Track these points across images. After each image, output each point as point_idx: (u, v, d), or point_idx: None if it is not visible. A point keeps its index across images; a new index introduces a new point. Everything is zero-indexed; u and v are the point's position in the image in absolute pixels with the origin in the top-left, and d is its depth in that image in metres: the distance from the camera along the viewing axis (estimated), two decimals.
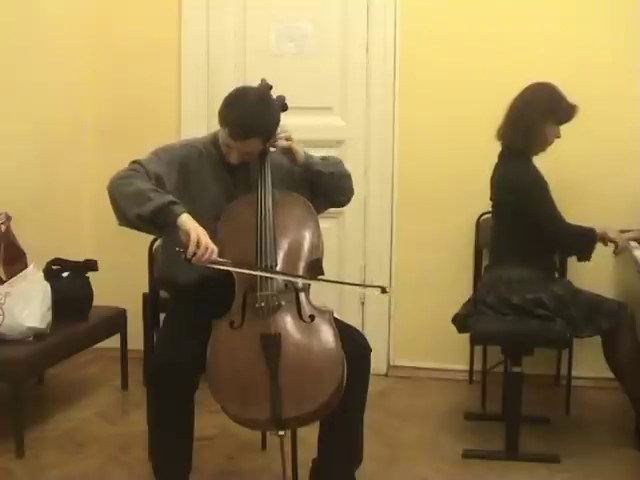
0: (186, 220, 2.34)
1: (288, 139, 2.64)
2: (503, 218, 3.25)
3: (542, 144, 3.17)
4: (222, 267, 2.38)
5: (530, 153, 3.18)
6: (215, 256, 2.35)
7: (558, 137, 3.17)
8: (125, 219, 2.42)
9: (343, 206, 2.87)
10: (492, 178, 3.26)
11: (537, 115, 3.11)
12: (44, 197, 3.96)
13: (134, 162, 2.53)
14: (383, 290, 2.41)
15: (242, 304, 2.44)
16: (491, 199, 3.30)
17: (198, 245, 2.31)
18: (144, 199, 2.35)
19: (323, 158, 2.75)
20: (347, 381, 2.34)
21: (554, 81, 3.19)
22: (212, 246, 2.34)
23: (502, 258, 3.23)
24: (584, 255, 3.16)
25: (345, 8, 4.04)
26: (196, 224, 2.35)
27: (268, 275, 2.44)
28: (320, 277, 2.56)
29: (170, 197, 2.38)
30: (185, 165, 2.62)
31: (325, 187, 2.70)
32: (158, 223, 2.37)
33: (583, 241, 3.14)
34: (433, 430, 3.37)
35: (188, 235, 2.32)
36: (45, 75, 3.97)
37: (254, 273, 2.44)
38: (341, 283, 2.52)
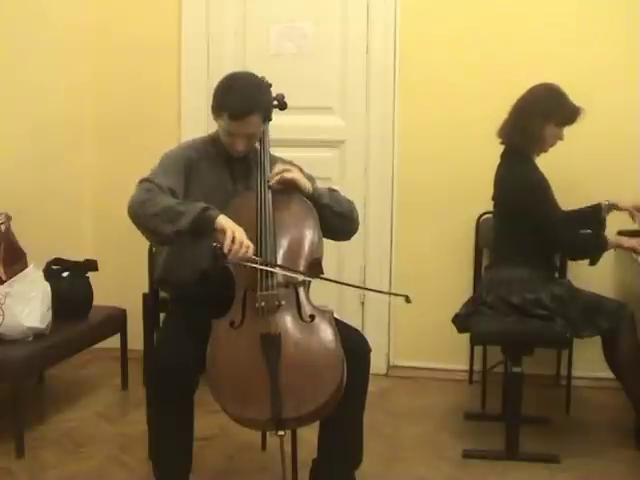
0: (222, 219, 2.36)
1: (287, 171, 2.60)
2: (504, 218, 3.25)
3: (540, 145, 3.17)
4: (256, 265, 2.38)
5: (529, 153, 3.18)
6: (251, 253, 2.36)
7: (560, 139, 3.18)
8: (159, 238, 2.45)
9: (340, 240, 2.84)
10: (495, 178, 3.27)
11: (536, 116, 3.12)
12: (44, 197, 3.96)
13: (144, 180, 2.51)
14: (407, 299, 2.36)
15: (242, 304, 2.44)
16: (493, 199, 3.30)
17: (234, 241, 2.32)
18: (176, 214, 2.36)
19: (332, 190, 2.73)
20: (347, 381, 2.33)
21: (554, 80, 3.20)
22: (247, 242, 2.35)
23: (502, 258, 3.24)
24: (588, 259, 3.16)
25: (345, 8, 4.04)
26: (233, 223, 2.36)
27: (306, 278, 2.44)
28: (348, 282, 2.57)
29: (201, 204, 2.39)
30: (189, 168, 2.62)
31: (327, 221, 2.64)
32: (197, 233, 2.38)
33: (587, 246, 3.14)
34: (433, 430, 3.37)
35: (224, 232, 2.33)
36: (45, 75, 3.97)
37: (293, 275, 2.43)
38: (367, 289, 2.50)
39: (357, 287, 2.52)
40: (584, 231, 3.20)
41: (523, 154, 3.17)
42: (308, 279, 2.48)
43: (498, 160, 3.27)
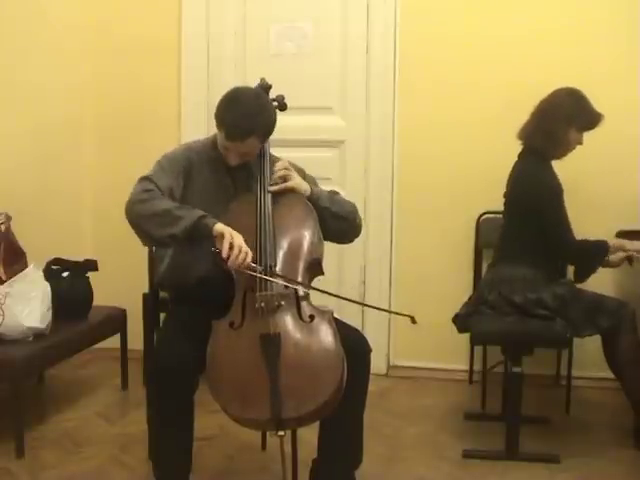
0: (219, 226, 2.38)
1: (286, 178, 2.62)
2: (514, 217, 3.24)
3: (563, 149, 3.17)
4: (255, 274, 2.38)
5: (548, 156, 3.18)
6: (250, 259, 2.37)
7: (580, 144, 3.18)
8: (153, 240, 2.47)
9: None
10: (509, 176, 3.26)
11: (560, 120, 3.11)
12: (44, 197, 3.96)
13: (143, 179, 2.52)
14: (413, 320, 2.34)
15: (242, 304, 2.44)
16: (504, 196, 3.30)
17: (231, 247, 2.33)
18: (173, 219, 2.38)
19: (333, 192, 2.74)
20: (347, 381, 2.33)
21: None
22: (246, 248, 2.36)
23: (507, 256, 3.23)
24: (585, 270, 3.15)
25: (345, 8, 4.04)
26: (231, 229, 2.37)
27: (303, 289, 2.44)
28: (347, 297, 2.58)
29: (199, 212, 2.40)
30: (188, 170, 2.63)
31: (326, 224, 2.65)
32: (193, 238, 2.40)
33: (586, 258, 3.13)
34: (433, 430, 3.37)
35: (222, 237, 2.35)
36: (45, 75, 3.97)
37: (291, 286, 2.42)
38: (367, 306, 2.43)
39: (359, 303, 2.48)
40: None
41: (542, 156, 3.16)
42: (305, 290, 2.46)
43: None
